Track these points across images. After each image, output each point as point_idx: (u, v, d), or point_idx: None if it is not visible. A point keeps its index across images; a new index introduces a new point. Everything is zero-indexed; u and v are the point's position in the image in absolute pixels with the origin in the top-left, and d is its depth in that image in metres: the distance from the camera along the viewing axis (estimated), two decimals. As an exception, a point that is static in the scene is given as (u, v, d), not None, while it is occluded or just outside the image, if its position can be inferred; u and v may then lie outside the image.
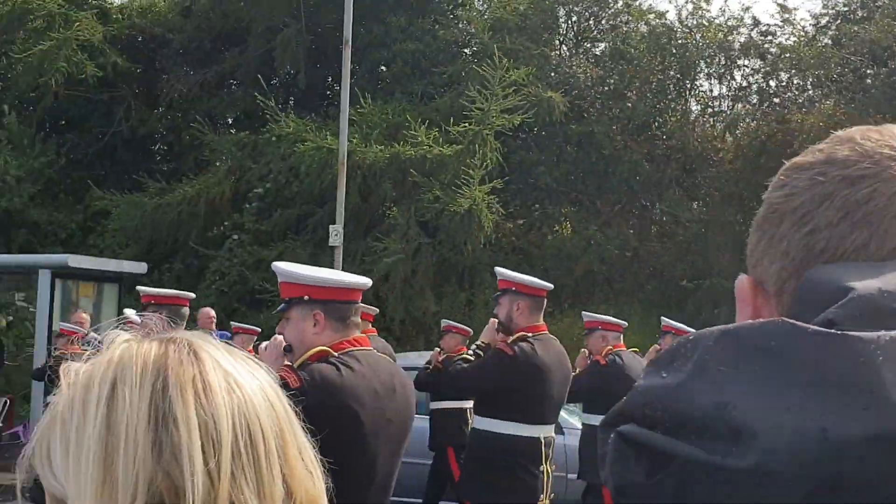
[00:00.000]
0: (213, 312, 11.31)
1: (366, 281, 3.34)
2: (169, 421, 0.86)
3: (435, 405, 7.56)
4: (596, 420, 6.29)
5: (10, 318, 15.32)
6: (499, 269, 5.37)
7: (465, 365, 5.52)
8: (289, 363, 3.05)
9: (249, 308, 15.45)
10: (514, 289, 5.03)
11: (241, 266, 15.56)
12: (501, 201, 15.40)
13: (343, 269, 12.89)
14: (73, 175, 17.98)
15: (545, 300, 5.16)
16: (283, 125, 15.67)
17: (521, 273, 5.43)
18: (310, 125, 15.94)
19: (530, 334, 4.94)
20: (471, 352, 5.62)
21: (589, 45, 19.23)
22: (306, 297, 3.08)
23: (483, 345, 5.24)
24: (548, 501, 5.07)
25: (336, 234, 12.47)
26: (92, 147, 18.38)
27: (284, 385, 2.81)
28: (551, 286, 5.32)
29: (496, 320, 5.06)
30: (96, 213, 17.05)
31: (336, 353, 3.03)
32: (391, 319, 14.21)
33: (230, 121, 18.90)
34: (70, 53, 17.07)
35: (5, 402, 12.12)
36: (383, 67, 17.89)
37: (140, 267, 14.56)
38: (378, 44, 17.43)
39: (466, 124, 14.90)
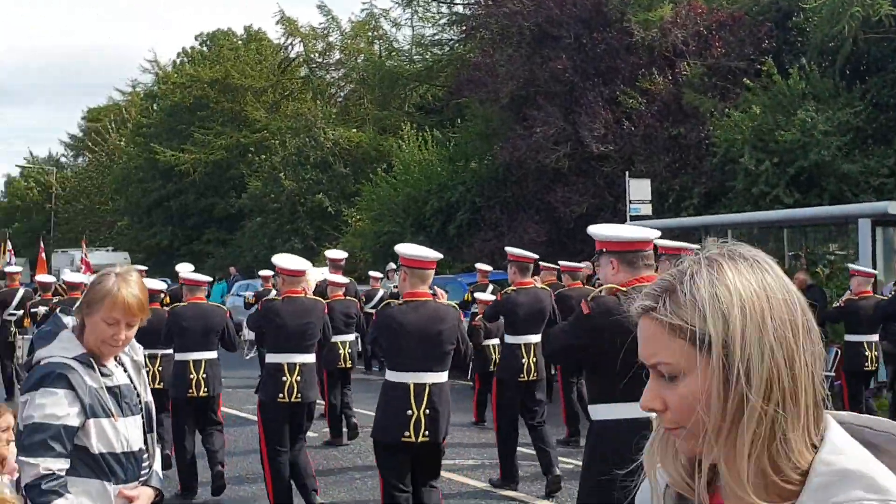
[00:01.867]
0: None
1: (648, 234, 4.27)
2: None
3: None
4: None
5: (827, 270, 15.40)
6: None
7: None
8: (585, 297, 4.36)
9: None
10: None
11: None
12: None
13: None
14: (881, 119, 17.38)
15: None
16: None
17: None
18: None
19: None
20: None
21: None
22: (604, 250, 4.23)
23: None
24: None
25: None
26: (896, 88, 17.56)
27: (581, 310, 4.46)
28: None
29: None
30: (909, 156, 16.23)
31: (624, 289, 4.10)
32: None
33: None
34: (865, -4, 16.59)
35: (836, 352, 12.10)
36: None
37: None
38: None
39: None
